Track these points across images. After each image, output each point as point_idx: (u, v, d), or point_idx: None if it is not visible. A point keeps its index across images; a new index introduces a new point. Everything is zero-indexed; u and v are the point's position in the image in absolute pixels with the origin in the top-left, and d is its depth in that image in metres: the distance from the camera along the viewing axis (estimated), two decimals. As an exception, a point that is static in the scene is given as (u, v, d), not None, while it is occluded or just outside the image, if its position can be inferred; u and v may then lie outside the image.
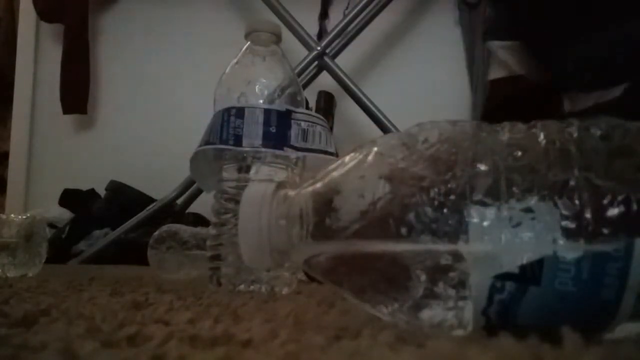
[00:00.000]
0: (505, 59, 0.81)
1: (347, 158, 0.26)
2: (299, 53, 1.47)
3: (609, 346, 0.20)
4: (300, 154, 0.51)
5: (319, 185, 0.26)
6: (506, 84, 0.82)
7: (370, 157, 0.25)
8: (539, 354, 0.18)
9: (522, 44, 0.79)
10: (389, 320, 0.25)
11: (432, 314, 0.23)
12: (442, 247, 0.22)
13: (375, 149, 0.25)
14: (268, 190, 0.27)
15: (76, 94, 1.74)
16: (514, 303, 0.22)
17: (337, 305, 0.34)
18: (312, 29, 1.59)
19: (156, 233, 0.71)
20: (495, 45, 0.84)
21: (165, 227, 0.71)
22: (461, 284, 0.22)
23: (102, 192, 1.55)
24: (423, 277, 0.22)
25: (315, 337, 0.22)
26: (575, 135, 0.23)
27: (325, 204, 0.25)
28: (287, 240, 0.26)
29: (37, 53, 1.82)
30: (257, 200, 0.27)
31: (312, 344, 0.21)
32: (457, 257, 0.22)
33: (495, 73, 0.84)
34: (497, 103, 0.84)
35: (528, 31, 0.77)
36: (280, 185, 0.28)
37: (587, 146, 0.23)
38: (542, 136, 0.23)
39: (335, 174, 0.26)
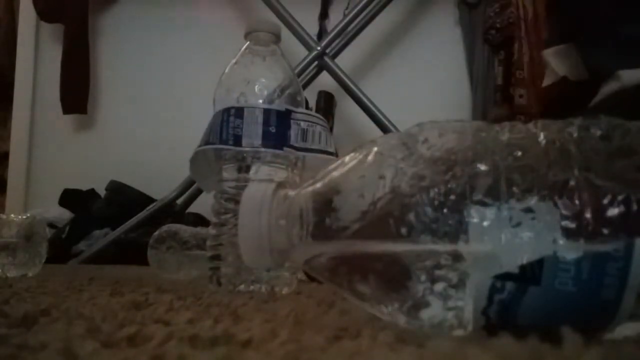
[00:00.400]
0: (552, 64, 0.83)
1: (347, 158, 0.26)
2: (299, 53, 1.47)
3: (609, 346, 0.20)
4: (300, 154, 0.51)
5: (319, 185, 0.26)
6: (553, 89, 0.84)
7: (370, 157, 0.25)
8: (539, 354, 0.18)
9: (565, 41, 0.81)
10: (389, 320, 0.25)
11: (432, 314, 0.23)
12: (442, 247, 0.22)
13: (375, 149, 0.25)
14: (268, 190, 0.27)
15: (76, 94, 1.74)
16: (514, 303, 0.22)
17: (337, 305, 0.34)
18: (312, 29, 1.59)
19: (156, 233, 0.71)
20: (546, 53, 0.86)
21: (165, 227, 0.71)
22: (461, 284, 0.22)
23: (102, 192, 1.55)
24: (423, 277, 0.22)
25: (315, 337, 0.22)
26: (575, 135, 0.23)
27: (325, 204, 0.25)
28: (287, 240, 0.26)
29: (37, 53, 1.82)
30: (257, 200, 0.27)
31: (312, 344, 0.21)
32: (457, 257, 0.22)
33: (546, 80, 0.86)
34: (551, 108, 0.86)
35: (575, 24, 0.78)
36: (280, 185, 0.28)
37: (587, 146, 0.23)
38: (542, 136, 0.23)
39: (335, 174, 0.26)
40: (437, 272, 0.22)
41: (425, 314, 0.23)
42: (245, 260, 0.27)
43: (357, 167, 0.25)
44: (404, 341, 0.21)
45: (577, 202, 0.21)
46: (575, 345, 0.19)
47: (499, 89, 1.66)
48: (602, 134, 0.23)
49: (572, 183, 0.21)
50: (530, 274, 0.21)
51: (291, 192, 0.27)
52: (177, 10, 1.75)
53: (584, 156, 0.22)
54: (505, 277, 0.21)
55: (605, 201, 0.21)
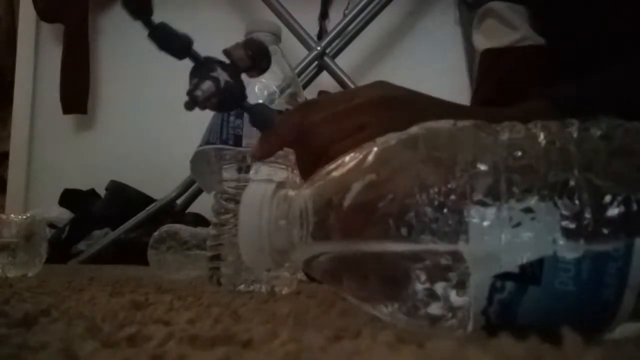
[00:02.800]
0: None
1: (347, 158, 0.26)
2: (299, 53, 1.47)
3: (609, 346, 0.20)
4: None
5: (318, 185, 0.26)
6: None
7: (370, 157, 0.25)
8: (539, 354, 0.18)
9: None
10: (389, 320, 0.25)
11: (432, 314, 0.23)
12: (442, 247, 0.22)
13: (375, 149, 0.25)
14: (268, 191, 0.27)
15: (76, 94, 1.74)
16: (514, 303, 0.22)
17: (337, 305, 0.34)
18: (312, 29, 1.59)
19: (156, 233, 0.71)
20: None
21: (165, 227, 0.71)
22: (461, 284, 0.22)
23: (102, 192, 1.55)
24: (423, 277, 0.22)
25: (315, 337, 0.22)
26: (575, 135, 0.23)
27: (325, 204, 0.25)
28: (287, 240, 0.26)
29: (37, 53, 1.82)
30: (257, 200, 0.27)
31: (312, 344, 0.21)
32: (457, 257, 0.22)
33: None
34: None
35: None
36: (280, 186, 0.28)
37: (587, 146, 0.23)
38: (542, 136, 0.23)
39: (335, 174, 0.26)
40: (437, 272, 0.22)
41: (426, 314, 0.23)
42: (245, 260, 0.27)
43: (357, 167, 0.25)
44: (404, 341, 0.21)
45: (577, 202, 0.21)
46: (575, 345, 0.19)
47: (499, 89, 1.66)
48: (602, 134, 0.23)
49: (572, 183, 0.21)
50: (530, 273, 0.21)
51: (291, 193, 0.27)
52: (177, 10, 1.75)
53: (584, 156, 0.22)
54: (505, 277, 0.21)
55: (605, 201, 0.21)
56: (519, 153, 0.23)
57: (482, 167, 0.22)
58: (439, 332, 0.23)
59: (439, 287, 0.22)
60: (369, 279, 0.24)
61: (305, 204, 0.25)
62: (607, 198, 0.21)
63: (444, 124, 0.25)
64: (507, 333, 0.21)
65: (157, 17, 0.38)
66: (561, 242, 0.21)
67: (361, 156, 0.25)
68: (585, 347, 0.19)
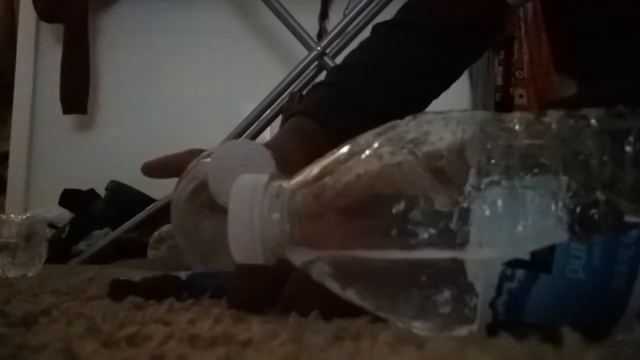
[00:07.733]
0: None
1: (343, 156, 0.25)
2: (299, 53, 1.47)
3: (610, 346, 0.20)
4: None
5: (315, 187, 0.25)
6: None
7: (367, 154, 0.24)
8: (539, 354, 0.18)
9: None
10: (391, 321, 0.24)
11: (439, 313, 0.23)
12: (445, 245, 0.22)
13: (376, 144, 0.25)
14: (260, 182, 0.26)
15: (76, 94, 1.74)
16: (524, 293, 0.21)
17: (337, 305, 0.34)
18: (312, 29, 1.59)
19: (156, 233, 0.71)
20: None
21: (165, 227, 0.71)
22: (464, 280, 0.22)
23: (102, 192, 1.55)
24: (424, 278, 0.22)
25: (315, 337, 0.22)
26: (588, 133, 0.23)
27: (324, 205, 0.25)
28: (280, 236, 0.25)
29: (37, 53, 1.82)
30: (248, 193, 0.25)
31: (312, 344, 0.21)
32: (461, 255, 0.22)
33: None
34: None
35: None
36: (273, 177, 0.26)
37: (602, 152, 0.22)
38: (553, 131, 0.23)
39: (333, 173, 0.25)
40: (439, 273, 0.22)
41: (433, 314, 0.23)
42: (235, 256, 0.26)
43: (355, 166, 0.25)
44: (404, 341, 0.21)
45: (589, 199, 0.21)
46: (575, 346, 0.19)
47: (499, 89, 1.66)
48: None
49: (592, 199, 0.21)
50: (541, 260, 0.21)
51: (285, 184, 0.26)
52: (177, 10, 1.75)
53: (605, 171, 0.22)
54: (516, 264, 0.21)
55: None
56: (528, 150, 0.22)
57: (484, 162, 0.22)
58: (444, 330, 0.23)
59: (440, 287, 0.22)
60: (368, 281, 0.24)
61: (302, 209, 0.25)
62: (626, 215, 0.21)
63: (448, 117, 0.25)
64: (507, 333, 0.21)
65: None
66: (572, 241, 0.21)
67: (360, 158, 0.25)
68: (585, 348, 0.19)
